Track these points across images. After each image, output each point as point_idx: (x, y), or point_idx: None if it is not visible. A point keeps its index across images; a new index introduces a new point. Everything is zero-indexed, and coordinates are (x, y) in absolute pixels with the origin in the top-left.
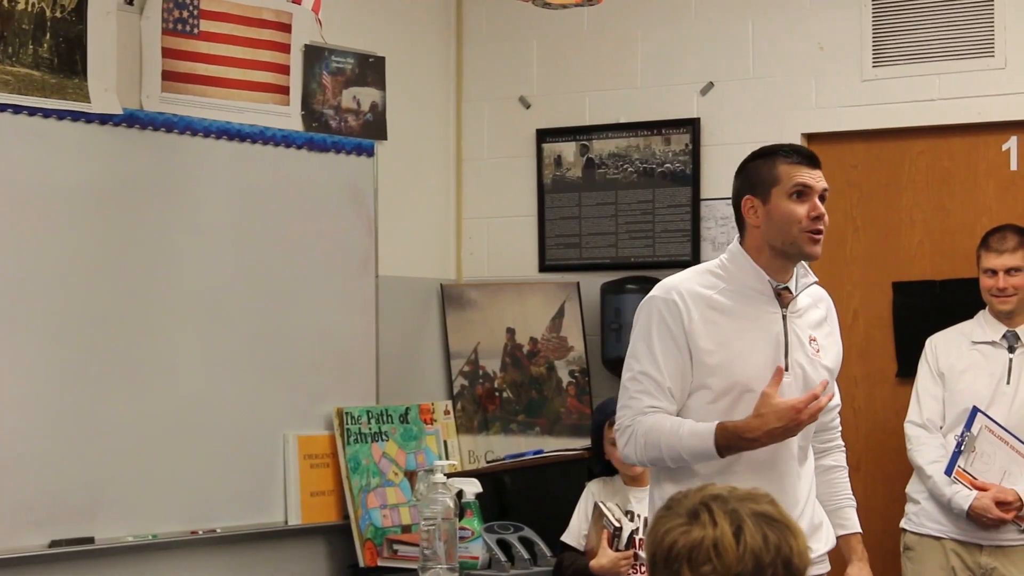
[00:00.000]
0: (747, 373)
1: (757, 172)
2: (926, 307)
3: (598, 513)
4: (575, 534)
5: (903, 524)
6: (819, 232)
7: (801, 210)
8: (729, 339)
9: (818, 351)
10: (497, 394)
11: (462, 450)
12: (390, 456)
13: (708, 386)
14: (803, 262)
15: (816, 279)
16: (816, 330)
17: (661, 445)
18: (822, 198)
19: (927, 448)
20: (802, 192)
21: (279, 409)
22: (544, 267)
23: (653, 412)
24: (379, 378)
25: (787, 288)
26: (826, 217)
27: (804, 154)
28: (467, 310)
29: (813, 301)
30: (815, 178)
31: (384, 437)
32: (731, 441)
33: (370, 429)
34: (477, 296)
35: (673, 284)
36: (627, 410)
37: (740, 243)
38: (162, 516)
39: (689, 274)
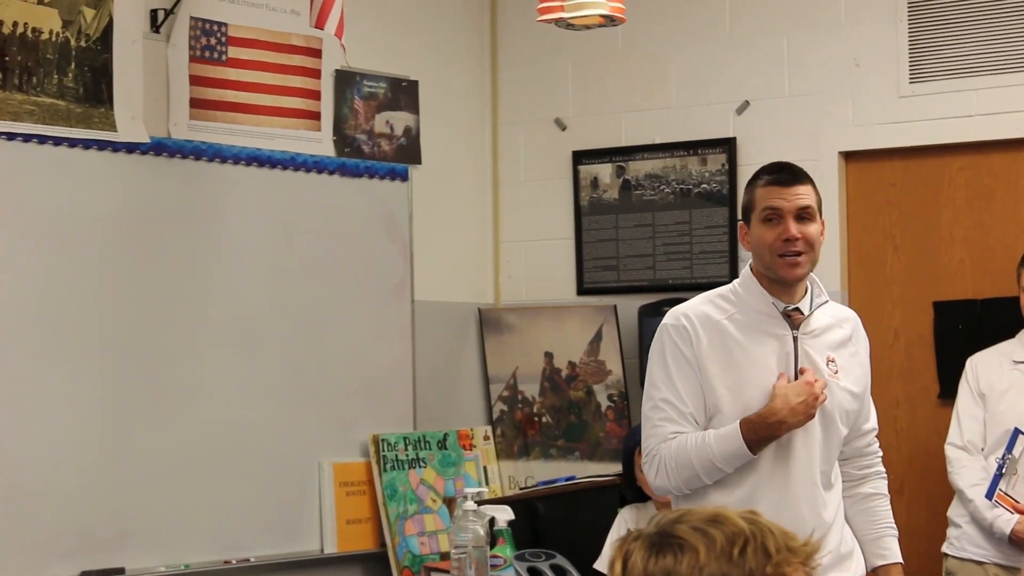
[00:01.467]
0: (757, 397)
1: (745, 197)
2: (967, 326)
3: None
4: (608, 561)
5: (945, 548)
6: (795, 253)
7: (771, 234)
8: (739, 363)
9: (836, 372)
10: (536, 419)
11: (502, 476)
12: (428, 483)
13: (720, 410)
14: (817, 281)
15: (827, 299)
16: (836, 351)
17: (692, 461)
18: (804, 216)
19: (968, 471)
20: (771, 216)
21: (314, 436)
22: (582, 290)
23: (676, 437)
24: (416, 404)
25: (797, 309)
26: (808, 238)
27: (781, 172)
28: (505, 334)
29: (836, 321)
30: (787, 197)
31: (422, 463)
32: (758, 430)
33: (407, 455)
34: (515, 320)
35: (683, 310)
36: (651, 439)
37: (751, 267)
38: (194, 546)
39: (700, 299)
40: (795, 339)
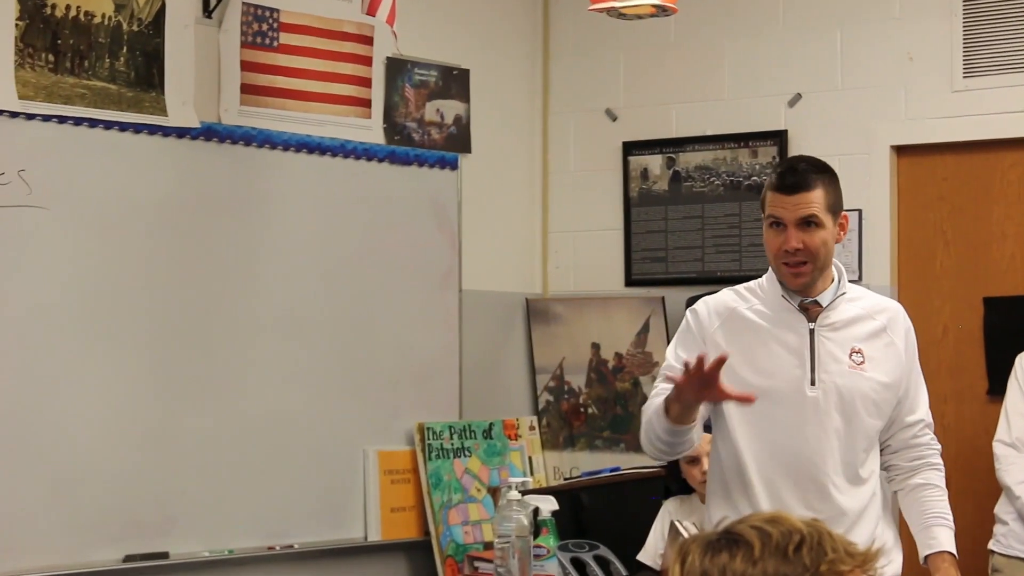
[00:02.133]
0: (762, 382)
1: (761, 198)
2: (1018, 323)
3: (674, 532)
4: (651, 553)
5: (991, 545)
6: (797, 263)
7: (774, 242)
8: (750, 348)
9: (862, 363)
10: (582, 410)
11: (547, 466)
12: (472, 472)
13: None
14: (843, 273)
15: (845, 291)
16: (865, 342)
17: (644, 419)
18: (809, 223)
19: (1016, 468)
20: (774, 223)
21: (359, 424)
22: (630, 281)
23: (662, 394)
24: (462, 393)
25: (815, 302)
26: (810, 247)
27: (785, 179)
28: (552, 325)
29: (867, 313)
30: (789, 207)
31: (467, 453)
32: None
33: (452, 445)
34: (562, 310)
35: (704, 298)
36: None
37: None
38: (238, 531)
39: (727, 290)
40: (811, 331)
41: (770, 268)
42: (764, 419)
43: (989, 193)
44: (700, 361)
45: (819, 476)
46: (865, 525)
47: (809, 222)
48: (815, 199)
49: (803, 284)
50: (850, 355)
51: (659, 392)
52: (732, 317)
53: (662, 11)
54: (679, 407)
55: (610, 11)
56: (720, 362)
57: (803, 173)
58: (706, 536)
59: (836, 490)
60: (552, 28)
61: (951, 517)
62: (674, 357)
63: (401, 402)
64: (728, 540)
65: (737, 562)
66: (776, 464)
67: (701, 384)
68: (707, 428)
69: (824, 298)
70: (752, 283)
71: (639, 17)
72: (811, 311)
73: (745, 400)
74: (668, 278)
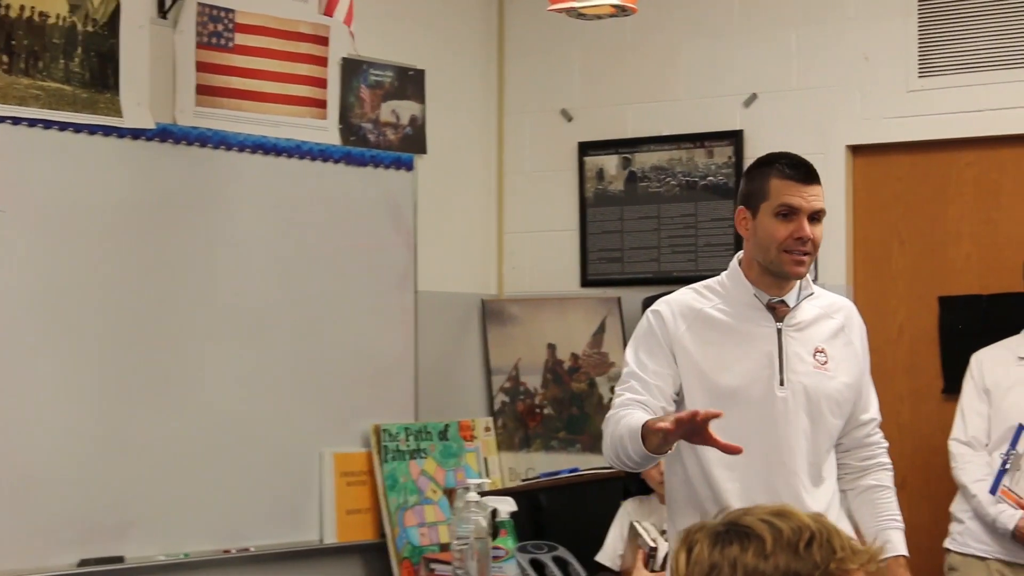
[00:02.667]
0: (732, 383)
1: (753, 183)
2: (973, 322)
3: (633, 533)
4: (610, 554)
5: (947, 544)
6: (804, 253)
7: (783, 230)
8: (718, 351)
9: (825, 363)
10: (538, 411)
11: (503, 467)
12: (428, 473)
13: (691, 392)
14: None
15: (813, 291)
16: (828, 342)
17: (611, 433)
18: (816, 218)
19: (972, 466)
20: (788, 213)
21: (315, 426)
22: (586, 282)
23: (631, 405)
24: (418, 395)
25: (783, 301)
26: (816, 239)
27: (800, 169)
28: (508, 325)
29: (826, 312)
30: (806, 197)
31: (423, 454)
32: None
33: (408, 446)
34: (518, 311)
35: (665, 299)
36: (611, 411)
37: (739, 259)
38: (194, 534)
39: (686, 290)
40: (779, 331)
41: (733, 267)
42: (734, 420)
43: (944, 193)
44: (694, 415)
45: (789, 477)
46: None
47: (818, 215)
48: (822, 194)
49: (802, 275)
50: (814, 355)
51: (626, 403)
52: (699, 318)
53: (622, 11)
54: (661, 441)
55: (569, 11)
56: (713, 416)
57: (811, 166)
58: (713, 527)
59: (804, 491)
60: (507, 28)
61: (901, 517)
62: (636, 362)
63: (357, 404)
64: (738, 532)
65: (749, 556)
66: (747, 466)
67: (691, 432)
68: None
69: (791, 298)
70: (711, 281)
71: (599, 17)
72: (778, 311)
73: (733, 450)
74: (624, 278)
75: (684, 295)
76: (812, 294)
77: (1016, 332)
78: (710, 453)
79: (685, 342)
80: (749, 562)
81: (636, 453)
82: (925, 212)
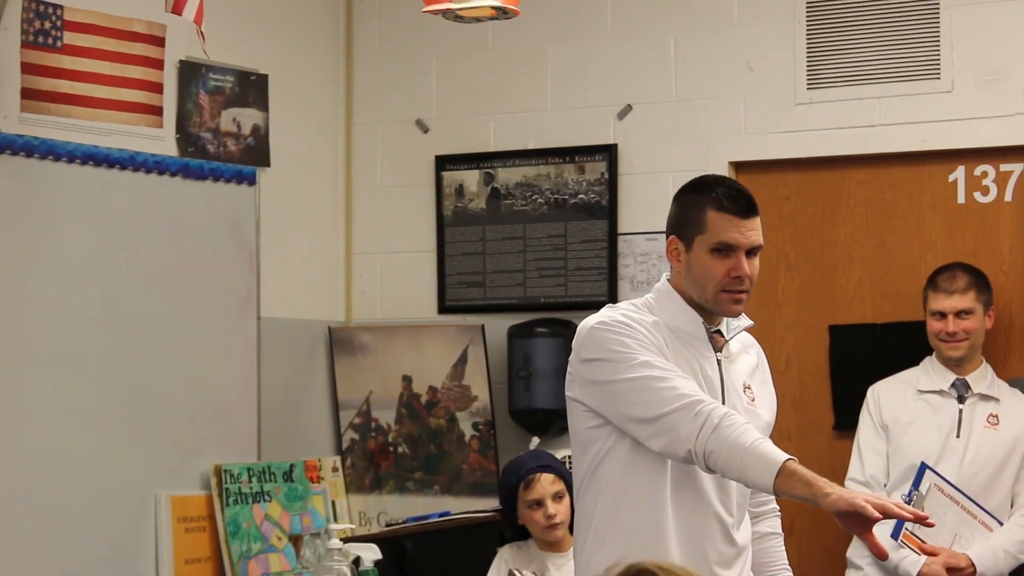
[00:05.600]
0: None
1: (686, 211)
2: (866, 353)
3: None
4: None
5: None
6: (741, 291)
7: (720, 268)
8: (688, 370)
9: (753, 400)
10: (391, 449)
11: (352, 511)
12: (273, 518)
13: None
14: None
15: (752, 322)
16: (750, 378)
17: (732, 444)
18: (752, 252)
19: None
20: (722, 249)
21: (149, 466)
22: (444, 308)
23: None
24: (261, 432)
25: (719, 331)
26: (752, 277)
27: (739, 201)
28: (358, 356)
29: (743, 347)
30: (744, 232)
31: (267, 497)
32: (798, 479)
33: (251, 488)
34: (369, 340)
35: (608, 314)
36: (670, 391)
37: (669, 281)
38: None
39: (622, 307)
40: (719, 363)
41: (665, 290)
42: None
43: (835, 213)
44: (912, 515)
45: (724, 517)
46: (748, 559)
47: (755, 249)
48: (760, 226)
49: (738, 313)
50: (743, 390)
51: (725, 412)
52: (663, 331)
53: (503, 14)
54: (805, 493)
55: (446, 13)
56: (921, 520)
57: (750, 195)
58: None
59: (734, 530)
60: (356, 28)
61: (790, 567)
62: (644, 353)
63: (195, 441)
64: None
65: None
66: (694, 503)
67: (863, 521)
68: (547, 468)
69: (724, 329)
70: (638, 303)
71: (477, 20)
72: (716, 341)
73: (881, 554)
74: (487, 304)
75: (624, 311)
76: (751, 325)
77: (914, 363)
78: (665, 487)
79: (667, 353)
80: None
81: (752, 481)
82: (814, 234)
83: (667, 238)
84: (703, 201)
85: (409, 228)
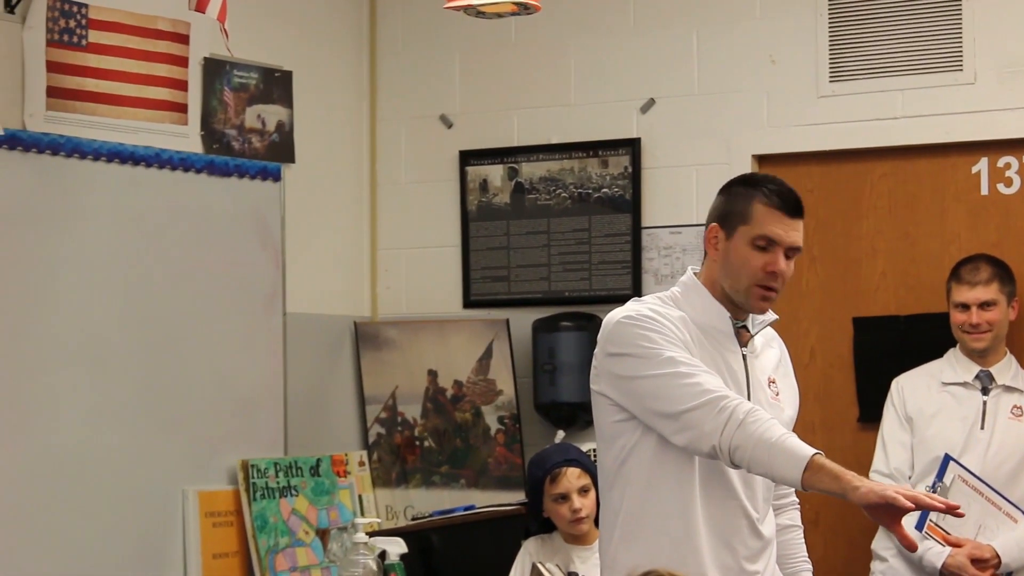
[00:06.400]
0: None
1: (733, 201)
2: (890, 345)
3: (536, 574)
4: None
5: None
6: (772, 289)
7: (758, 261)
8: (712, 366)
9: (777, 395)
10: (417, 443)
11: (379, 505)
12: (300, 513)
13: None
14: None
15: (777, 317)
16: (775, 373)
17: (759, 440)
18: (789, 253)
19: None
20: (765, 245)
21: (177, 462)
22: (469, 303)
23: (741, 400)
24: (287, 427)
25: (744, 326)
26: (786, 277)
27: (788, 200)
28: (384, 351)
29: (766, 340)
30: (787, 231)
31: (293, 492)
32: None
33: (278, 483)
34: (395, 335)
35: (635, 308)
36: (695, 387)
37: (696, 274)
38: None
39: (647, 300)
40: (744, 357)
41: (692, 283)
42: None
43: (858, 206)
44: (943, 505)
45: (751, 512)
46: (774, 552)
47: (794, 251)
48: (803, 229)
49: (765, 311)
50: (768, 385)
51: (749, 407)
52: (690, 326)
53: (524, 9)
54: (834, 487)
55: (467, 9)
56: (952, 511)
57: (800, 199)
58: None
59: (760, 523)
60: (380, 25)
61: (810, 560)
62: (670, 348)
63: (222, 437)
64: None
65: None
66: (722, 499)
67: (893, 513)
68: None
69: (750, 324)
70: (664, 297)
71: (499, 16)
72: (741, 336)
73: (911, 546)
74: (511, 299)
75: (650, 304)
76: (776, 319)
77: (937, 355)
78: (696, 484)
79: (692, 349)
80: None
81: (780, 476)
82: (837, 227)
83: (707, 226)
84: (752, 194)
85: (434, 223)
